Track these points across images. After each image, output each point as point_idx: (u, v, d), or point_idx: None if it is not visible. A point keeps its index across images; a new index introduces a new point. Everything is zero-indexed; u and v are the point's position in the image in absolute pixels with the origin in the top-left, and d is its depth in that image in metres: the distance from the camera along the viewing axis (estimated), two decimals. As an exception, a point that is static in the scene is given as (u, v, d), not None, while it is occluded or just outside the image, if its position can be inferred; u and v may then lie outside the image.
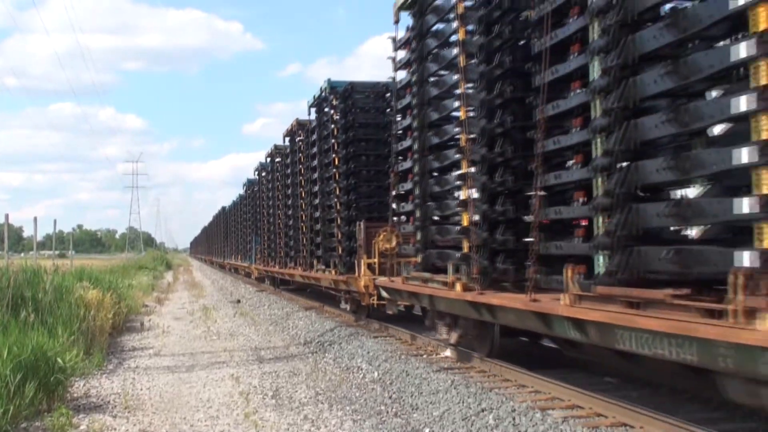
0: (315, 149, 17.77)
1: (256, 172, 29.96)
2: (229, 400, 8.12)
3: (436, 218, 10.50)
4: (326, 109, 17.06)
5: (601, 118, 6.08)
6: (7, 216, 15.10)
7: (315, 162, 17.72)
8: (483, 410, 6.95)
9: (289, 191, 21.76)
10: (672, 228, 5.83)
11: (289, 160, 21.98)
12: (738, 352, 4.44)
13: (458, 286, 8.58)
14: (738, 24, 4.85)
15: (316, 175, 17.57)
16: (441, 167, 10.38)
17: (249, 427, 6.90)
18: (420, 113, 10.66)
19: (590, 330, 6.02)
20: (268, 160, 26.21)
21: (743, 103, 4.57)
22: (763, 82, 4.44)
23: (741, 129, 4.79)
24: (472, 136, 8.70)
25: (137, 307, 18.96)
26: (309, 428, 6.83)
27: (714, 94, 5.44)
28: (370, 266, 13.31)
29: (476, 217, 8.48)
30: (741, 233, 4.92)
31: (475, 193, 8.53)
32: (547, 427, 6.26)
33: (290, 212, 21.37)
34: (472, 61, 8.67)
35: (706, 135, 5.54)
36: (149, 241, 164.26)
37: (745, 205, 4.57)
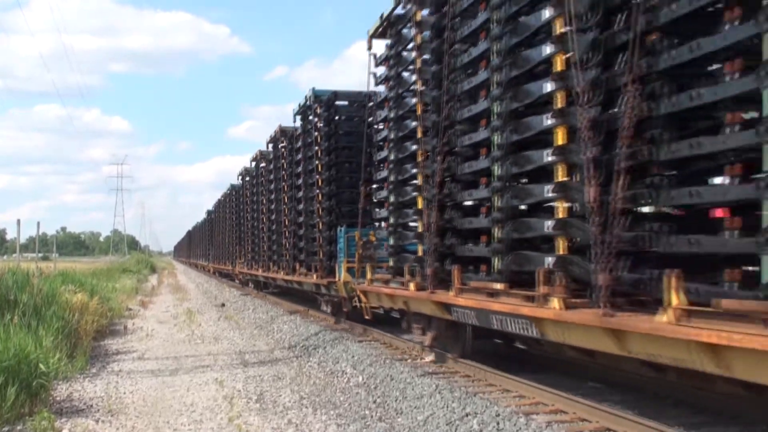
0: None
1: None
2: (213, 404, 8.09)
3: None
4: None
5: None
6: (-11, 219, 14.97)
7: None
8: (467, 415, 6.97)
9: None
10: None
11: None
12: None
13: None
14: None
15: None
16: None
17: (233, 432, 6.88)
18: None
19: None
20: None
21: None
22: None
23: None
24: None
25: (121, 310, 18.85)
26: (293, 432, 6.82)
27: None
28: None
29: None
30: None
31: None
32: None
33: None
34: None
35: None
36: (134, 244, 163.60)
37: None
